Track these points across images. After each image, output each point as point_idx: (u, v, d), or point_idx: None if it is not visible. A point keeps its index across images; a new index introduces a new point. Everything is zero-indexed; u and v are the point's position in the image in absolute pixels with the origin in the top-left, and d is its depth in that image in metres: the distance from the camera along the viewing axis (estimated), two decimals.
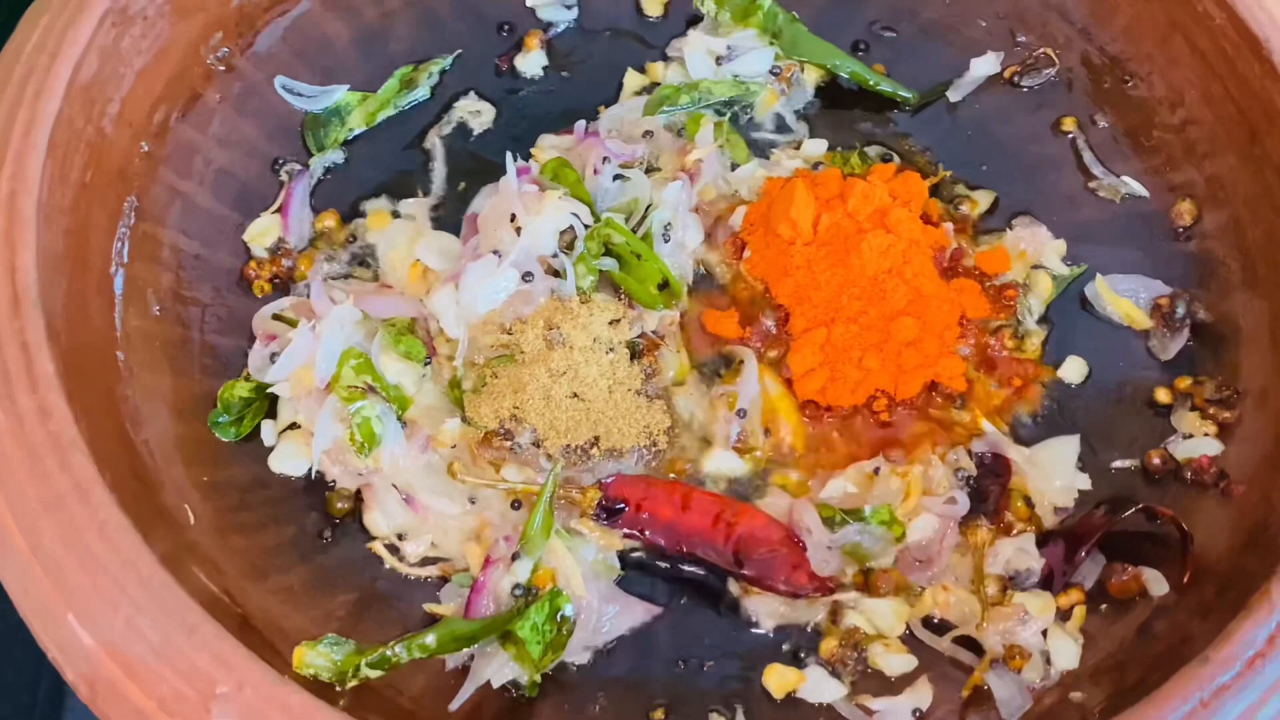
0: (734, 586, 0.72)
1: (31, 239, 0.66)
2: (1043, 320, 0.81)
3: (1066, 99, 0.89)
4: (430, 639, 0.65)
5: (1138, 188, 0.85)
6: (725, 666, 0.70)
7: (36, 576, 0.58)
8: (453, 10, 0.91)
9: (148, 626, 0.57)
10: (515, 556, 0.69)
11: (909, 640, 0.70)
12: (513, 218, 0.76)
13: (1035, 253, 0.83)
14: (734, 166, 0.85)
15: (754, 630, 0.71)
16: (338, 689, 0.63)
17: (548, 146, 0.85)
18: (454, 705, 0.66)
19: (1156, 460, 0.75)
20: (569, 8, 0.92)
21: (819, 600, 0.71)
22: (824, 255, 0.79)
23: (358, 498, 0.73)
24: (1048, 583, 0.71)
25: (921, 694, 0.68)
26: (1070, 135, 0.88)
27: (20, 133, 0.69)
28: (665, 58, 0.91)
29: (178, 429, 0.72)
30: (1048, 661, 0.68)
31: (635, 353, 0.78)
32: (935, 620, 0.71)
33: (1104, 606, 0.70)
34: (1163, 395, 0.78)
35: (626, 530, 0.72)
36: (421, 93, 0.88)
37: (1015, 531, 0.73)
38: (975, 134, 0.89)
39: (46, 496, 0.59)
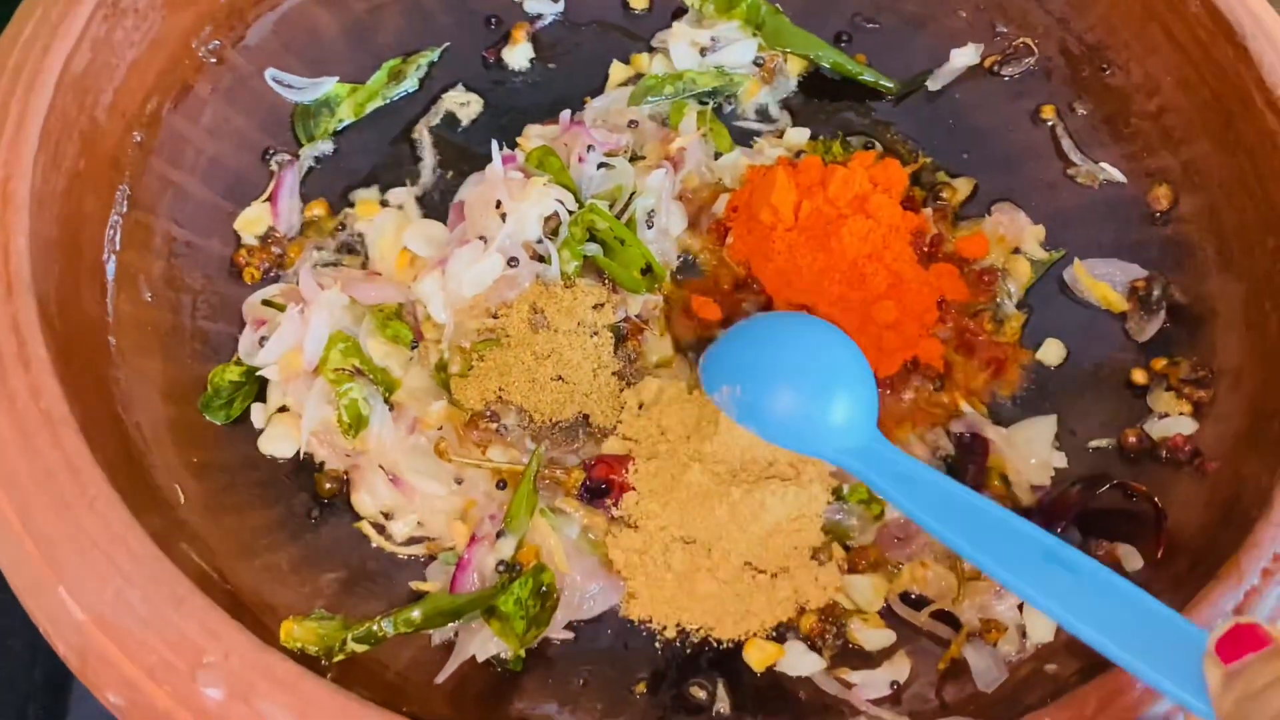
0: None
1: (25, 224, 0.67)
2: (1022, 304, 0.82)
3: (1046, 87, 0.90)
4: (416, 613, 0.66)
5: (1115, 174, 0.86)
6: (707, 641, 0.70)
7: (27, 550, 0.59)
8: (441, 3, 0.92)
9: (136, 599, 0.58)
10: (500, 534, 0.70)
11: (887, 615, 0.71)
12: (498, 204, 0.77)
13: (1014, 238, 0.84)
14: (717, 155, 0.86)
15: None
16: (324, 663, 0.64)
17: (533, 136, 0.86)
18: (440, 678, 0.66)
19: (1133, 439, 0.76)
20: (555, 1, 0.93)
21: None
22: (805, 241, 0.80)
23: (345, 478, 0.74)
24: None
25: (899, 667, 0.69)
26: (1049, 123, 0.89)
27: (14, 122, 0.70)
28: (650, 49, 0.92)
29: (169, 411, 0.73)
30: (1023, 635, 0.69)
31: (620, 337, 0.79)
32: (913, 595, 0.72)
33: None
34: (1139, 376, 0.79)
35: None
36: (410, 84, 0.89)
37: None
38: (956, 123, 0.90)
39: (37, 472, 0.60)
